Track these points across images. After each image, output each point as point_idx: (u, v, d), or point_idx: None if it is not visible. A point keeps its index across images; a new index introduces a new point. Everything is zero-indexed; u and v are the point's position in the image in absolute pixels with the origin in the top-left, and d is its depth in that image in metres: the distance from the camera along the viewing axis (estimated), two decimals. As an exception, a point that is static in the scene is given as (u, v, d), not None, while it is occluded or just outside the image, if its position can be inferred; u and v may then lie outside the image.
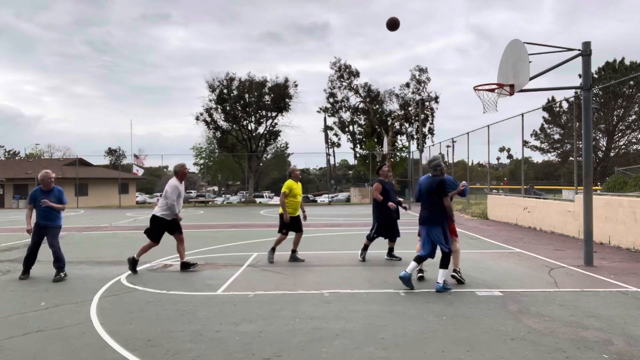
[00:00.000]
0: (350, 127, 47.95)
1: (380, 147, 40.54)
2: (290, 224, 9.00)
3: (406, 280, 6.56)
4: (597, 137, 35.78)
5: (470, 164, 23.02)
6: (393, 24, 8.40)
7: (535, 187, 26.93)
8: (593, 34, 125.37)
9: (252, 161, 42.98)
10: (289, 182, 9.00)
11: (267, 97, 42.24)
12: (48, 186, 7.88)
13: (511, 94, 8.71)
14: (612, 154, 35.88)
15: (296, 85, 43.16)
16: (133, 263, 8.14)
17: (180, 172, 8.25)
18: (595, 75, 36.08)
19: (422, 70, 43.22)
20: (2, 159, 66.98)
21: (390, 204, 8.79)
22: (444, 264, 6.58)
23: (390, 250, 9.19)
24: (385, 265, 8.57)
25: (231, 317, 5.36)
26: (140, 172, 40.08)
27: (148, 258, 9.61)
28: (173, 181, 8.18)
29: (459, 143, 24.57)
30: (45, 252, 10.76)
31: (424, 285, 6.88)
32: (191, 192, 58.47)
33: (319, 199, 45.99)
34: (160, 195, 8.81)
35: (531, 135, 38.17)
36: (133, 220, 20.77)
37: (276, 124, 44.19)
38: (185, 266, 8.28)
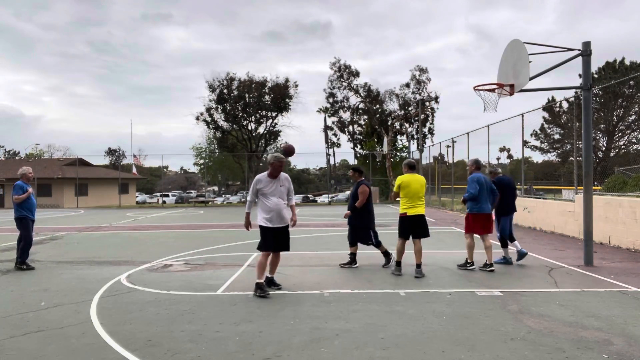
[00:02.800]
0: (350, 127, 47.99)
1: (380, 147, 40.55)
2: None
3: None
4: (597, 137, 35.80)
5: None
6: (288, 151, 7.26)
7: (535, 187, 26.95)
8: (595, 33, 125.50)
9: (252, 161, 42.95)
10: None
11: (267, 97, 42.22)
12: (29, 180, 8.90)
13: (511, 94, 8.71)
14: (612, 154, 35.91)
15: (296, 86, 43.16)
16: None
17: (271, 163, 6.55)
18: (596, 75, 36.10)
19: (422, 71, 43.23)
20: (2, 159, 66.96)
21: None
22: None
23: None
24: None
25: (231, 317, 5.36)
26: (136, 173, 40.07)
27: (148, 258, 9.62)
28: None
29: (459, 143, 24.63)
30: (44, 251, 10.77)
31: (424, 285, 6.89)
32: (191, 192, 58.50)
33: (319, 199, 45.98)
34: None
35: (531, 135, 38.24)
36: (133, 220, 20.77)
37: (276, 124, 44.20)
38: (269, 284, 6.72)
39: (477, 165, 8.37)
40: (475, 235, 8.28)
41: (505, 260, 8.64)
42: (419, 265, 7.53)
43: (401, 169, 9.20)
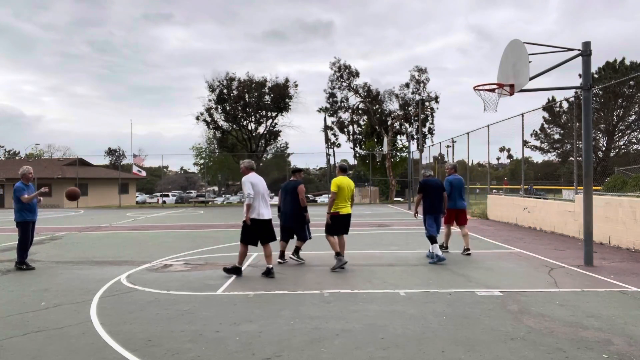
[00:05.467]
0: (350, 128, 48.00)
1: (380, 147, 40.56)
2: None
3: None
4: (597, 137, 35.79)
5: (470, 164, 23.03)
6: (72, 195, 8.98)
7: (535, 187, 26.97)
8: (597, 33, 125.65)
9: (252, 161, 42.90)
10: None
11: (267, 97, 42.22)
12: (29, 180, 8.70)
13: (511, 93, 8.71)
14: (612, 154, 35.89)
15: (296, 85, 43.14)
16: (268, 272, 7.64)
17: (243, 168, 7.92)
18: (596, 75, 36.08)
19: (421, 71, 43.23)
20: (2, 159, 66.96)
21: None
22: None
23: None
24: (385, 265, 8.56)
25: (231, 317, 5.36)
26: (143, 172, 40.03)
27: (148, 258, 9.62)
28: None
29: (459, 143, 24.65)
30: (44, 251, 10.77)
31: (424, 285, 6.89)
32: (191, 192, 58.48)
33: (319, 199, 45.96)
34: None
35: (531, 135, 38.21)
36: (133, 220, 20.77)
37: (276, 124, 44.19)
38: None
39: (455, 169, 10.15)
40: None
41: (438, 258, 9.00)
42: (339, 254, 8.15)
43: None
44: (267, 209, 7.72)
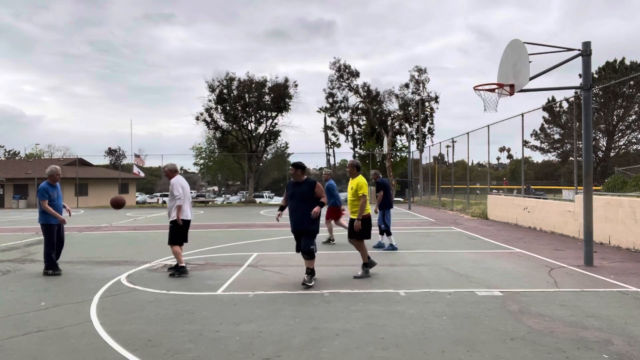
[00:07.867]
0: (350, 128, 47.99)
1: (380, 147, 40.54)
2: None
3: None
4: (597, 137, 35.81)
5: (470, 164, 23.02)
6: (117, 204, 8.75)
7: (535, 187, 26.96)
8: (598, 32, 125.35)
9: (252, 161, 42.93)
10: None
11: (267, 97, 42.19)
12: (56, 181, 8.41)
13: (511, 93, 8.71)
14: (612, 154, 35.90)
15: (296, 85, 43.08)
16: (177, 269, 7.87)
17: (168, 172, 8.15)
18: (596, 75, 36.11)
19: (421, 71, 43.22)
20: (2, 159, 66.96)
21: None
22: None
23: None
24: (384, 265, 8.56)
25: (231, 317, 5.36)
26: (142, 173, 40.02)
27: (148, 258, 9.62)
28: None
29: (459, 143, 24.61)
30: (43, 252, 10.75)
31: (424, 285, 6.89)
32: (191, 192, 58.44)
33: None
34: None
35: (531, 135, 38.26)
36: (133, 220, 20.77)
37: (276, 124, 44.17)
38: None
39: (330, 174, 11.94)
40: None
41: (392, 247, 10.29)
42: (367, 265, 7.67)
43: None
44: (190, 210, 8.14)
